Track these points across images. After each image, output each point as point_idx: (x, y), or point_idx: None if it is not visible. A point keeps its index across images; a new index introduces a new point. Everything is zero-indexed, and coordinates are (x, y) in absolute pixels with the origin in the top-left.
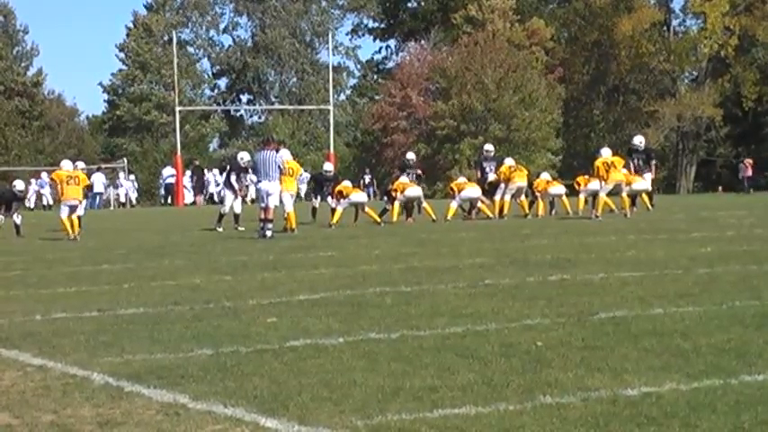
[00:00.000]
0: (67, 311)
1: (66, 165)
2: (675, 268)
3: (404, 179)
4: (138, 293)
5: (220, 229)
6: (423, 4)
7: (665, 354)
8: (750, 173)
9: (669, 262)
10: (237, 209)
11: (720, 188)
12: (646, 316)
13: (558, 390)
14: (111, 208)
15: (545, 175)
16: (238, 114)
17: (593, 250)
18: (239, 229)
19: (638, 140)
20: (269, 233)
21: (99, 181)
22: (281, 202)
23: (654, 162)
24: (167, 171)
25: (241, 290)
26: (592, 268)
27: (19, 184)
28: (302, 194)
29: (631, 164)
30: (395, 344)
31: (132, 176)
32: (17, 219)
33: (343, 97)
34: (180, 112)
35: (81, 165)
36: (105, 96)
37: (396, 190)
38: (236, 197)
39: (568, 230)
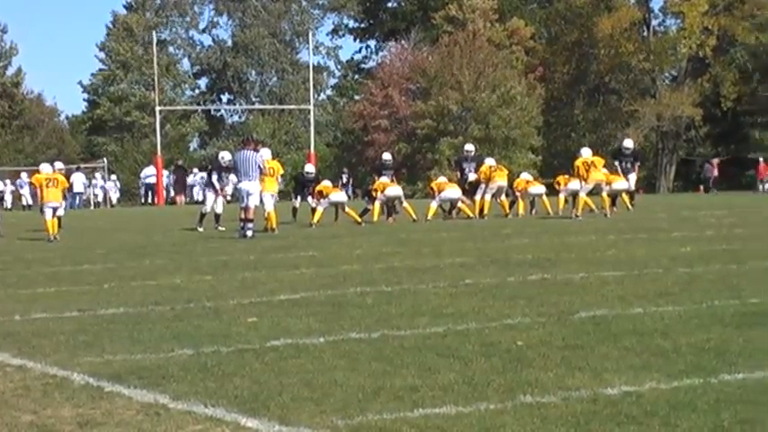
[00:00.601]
0: (47, 311)
1: (44, 168)
2: (656, 268)
3: (384, 179)
4: (119, 293)
5: (201, 229)
6: (403, 3)
7: (646, 353)
8: (716, 173)
9: (649, 261)
10: (218, 209)
11: (702, 188)
12: (626, 315)
13: (538, 389)
14: (92, 208)
15: (525, 175)
16: (219, 114)
17: (573, 250)
18: (220, 228)
19: (629, 144)
20: (249, 233)
21: (79, 181)
22: (261, 201)
23: (637, 164)
24: (149, 171)
25: (222, 290)
26: (572, 268)
27: None
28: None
29: (619, 167)
30: (376, 343)
31: (114, 176)
32: None
33: (323, 97)
34: (160, 111)
35: (59, 165)
36: (85, 96)
37: (376, 190)
38: (217, 197)
39: (549, 230)
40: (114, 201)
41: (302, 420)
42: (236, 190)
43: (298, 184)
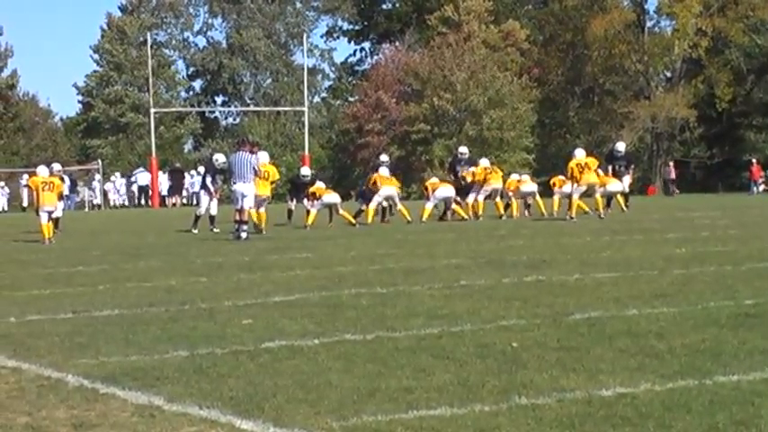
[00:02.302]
0: (42, 313)
1: (41, 171)
2: (650, 269)
3: (384, 171)
4: (114, 295)
5: (196, 231)
6: (398, 5)
7: (640, 354)
8: (673, 176)
9: (644, 263)
10: (213, 210)
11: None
12: (621, 317)
13: (533, 391)
14: (86, 210)
15: (515, 176)
16: (213, 116)
17: (568, 251)
18: (215, 230)
19: (621, 147)
20: (244, 234)
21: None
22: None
23: (632, 166)
24: (137, 171)
25: (216, 291)
26: (567, 269)
27: None
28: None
29: (610, 168)
30: (370, 345)
31: (118, 174)
32: None
33: (317, 99)
34: (155, 113)
35: (57, 167)
36: (80, 98)
37: (375, 183)
38: (211, 199)
39: (543, 231)
40: (117, 202)
41: (297, 422)
42: (230, 192)
43: (293, 187)
